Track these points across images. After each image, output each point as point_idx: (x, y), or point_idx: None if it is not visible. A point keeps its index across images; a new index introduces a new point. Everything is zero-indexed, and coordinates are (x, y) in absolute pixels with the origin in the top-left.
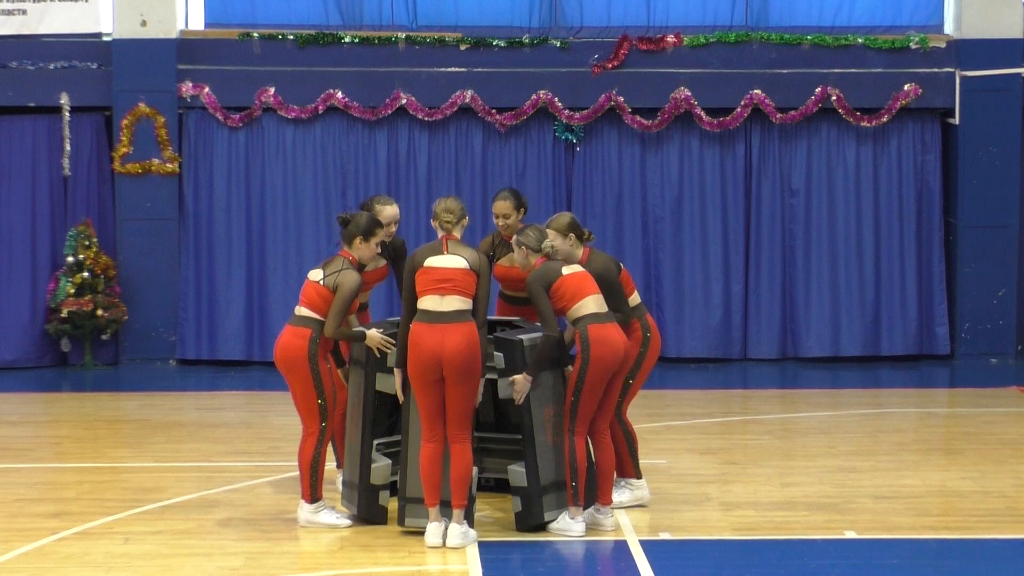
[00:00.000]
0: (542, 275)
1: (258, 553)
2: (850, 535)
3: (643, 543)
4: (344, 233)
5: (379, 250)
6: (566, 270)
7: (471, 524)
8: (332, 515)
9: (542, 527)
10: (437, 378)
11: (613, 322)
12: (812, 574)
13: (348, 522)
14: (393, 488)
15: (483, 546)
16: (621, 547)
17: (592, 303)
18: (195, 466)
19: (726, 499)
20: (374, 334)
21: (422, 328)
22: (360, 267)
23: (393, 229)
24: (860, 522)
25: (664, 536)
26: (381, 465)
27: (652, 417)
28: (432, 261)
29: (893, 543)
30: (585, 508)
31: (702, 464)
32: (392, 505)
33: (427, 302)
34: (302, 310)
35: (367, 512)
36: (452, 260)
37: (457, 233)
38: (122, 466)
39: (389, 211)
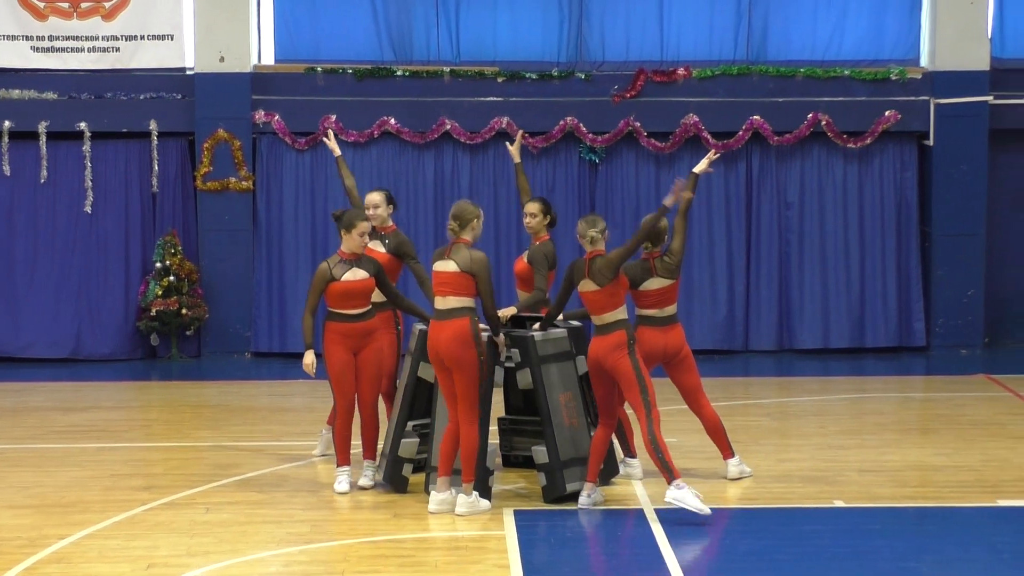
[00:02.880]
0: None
1: (322, 520)
2: (839, 504)
3: (657, 511)
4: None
5: (366, 240)
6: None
7: (487, 496)
8: (338, 481)
9: (566, 498)
10: (441, 367)
11: (604, 334)
12: (806, 538)
13: (345, 488)
14: (417, 464)
15: (517, 514)
16: (638, 514)
17: (606, 316)
18: (267, 445)
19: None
20: (306, 356)
21: (431, 324)
22: (356, 258)
23: (371, 212)
24: (847, 492)
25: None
26: (410, 441)
27: (667, 401)
28: (436, 265)
29: (876, 511)
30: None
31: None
32: (414, 478)
33: (436, 301)
34: None
35: (390, 479)
36: (447, 264)
37: (467, 236)
38: (204, 445)
39: (368, 197)
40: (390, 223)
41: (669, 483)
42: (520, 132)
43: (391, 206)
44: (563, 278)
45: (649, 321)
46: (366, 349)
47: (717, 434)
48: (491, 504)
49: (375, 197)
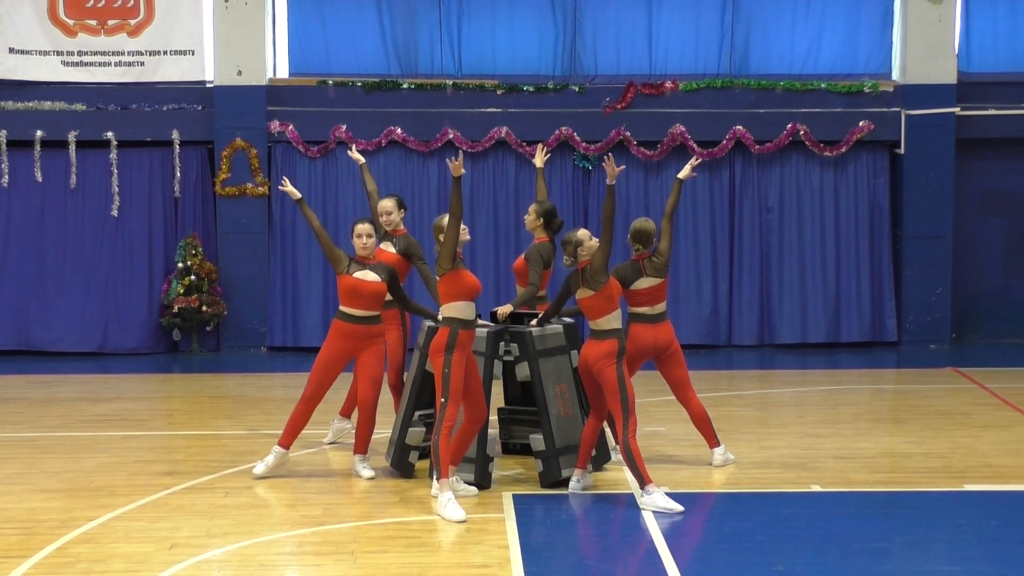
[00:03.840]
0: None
1: (333, 504)
2: (815, 488)
3: None
4: None
5: (364, 241)
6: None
7: (487, 482)
8: (261, 462)
9: (561, 483)
10: None
11: (598, 340)
12: (785, 520)
13: (260, 471)
14: (423, 451)
15: (515, 498)
16: (628, 498)
17: (601, 322)
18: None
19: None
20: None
21: None
22: (369, 262)
23: (384, 218)
24: (824, 478)
25: (664, 489)
26: (416, 430)
27: (654, 393)
28: None
29: (851, 495)
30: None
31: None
32: (419, 464)
33: None
34: None
35: (397, 465)
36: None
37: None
38: (222, 433)
39: (380, 204)
40: (401, 227)
41: (641, 489)
42: (540, 145)
43: (402, 210)
44: (561, 286)
45: (641, 318)
46: (366, 352)
47: (703, 424)
48: (464, 515)
49: (387, 204)
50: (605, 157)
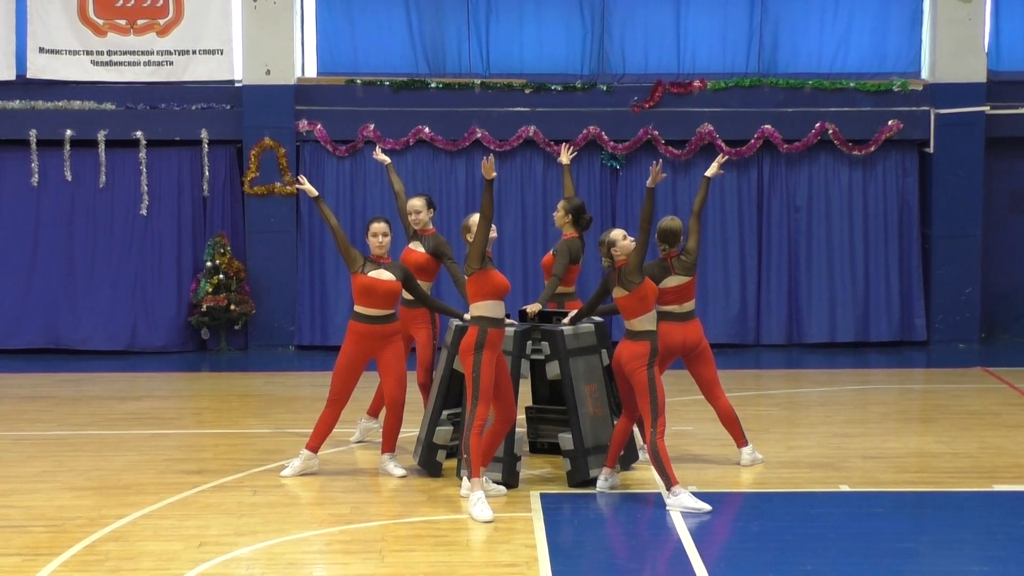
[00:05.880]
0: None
1: (361, 503)
2: (844, 488)
3: None
4: None
5: (380, 240)
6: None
7: (515, 481)
8: (291, 465)
9: (589, 482)
10: None
11: (632, 340)
12: (813, 520)
13: (288, 473)
14: (450, 450)
15: (543, 497)
16: (656, 498)
17: (635, 323)
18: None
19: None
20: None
21: None
22: (384, 261)
23: (413, 217)
24: (852, 478)
25: (692, 489)
26: (444, 429)
27: (683, 392)
28: None
29: (879, 495)
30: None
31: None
32: (447, 463)
33: None
34: None
35: (425, 464)
36: None
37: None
38: (251, 432)
39: (409, 203)
40: (430, 226)
41: (667, 489)
42: (565, 144)
43: (431, 210)
44: (599, 285)
45: (669, 316)
46: (386, 352)
47: (731, 424)
48: (492, 515)
49: (416, 203)
50: (654, 162)
